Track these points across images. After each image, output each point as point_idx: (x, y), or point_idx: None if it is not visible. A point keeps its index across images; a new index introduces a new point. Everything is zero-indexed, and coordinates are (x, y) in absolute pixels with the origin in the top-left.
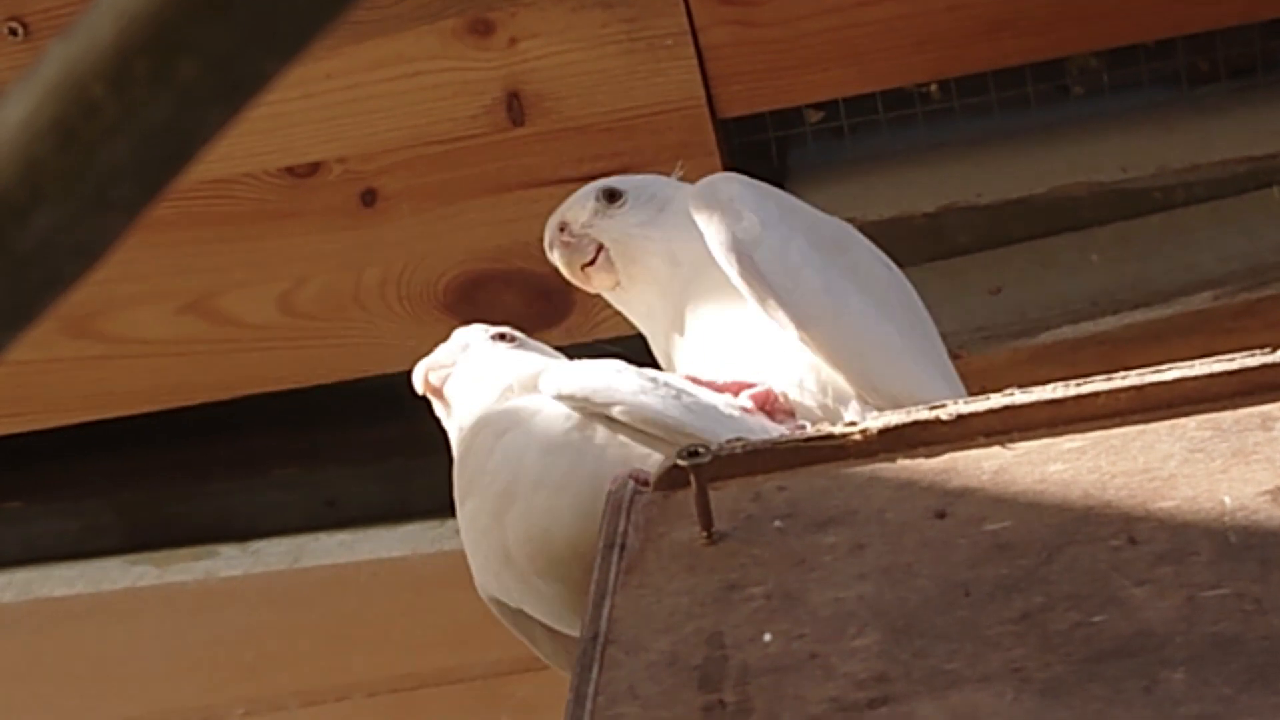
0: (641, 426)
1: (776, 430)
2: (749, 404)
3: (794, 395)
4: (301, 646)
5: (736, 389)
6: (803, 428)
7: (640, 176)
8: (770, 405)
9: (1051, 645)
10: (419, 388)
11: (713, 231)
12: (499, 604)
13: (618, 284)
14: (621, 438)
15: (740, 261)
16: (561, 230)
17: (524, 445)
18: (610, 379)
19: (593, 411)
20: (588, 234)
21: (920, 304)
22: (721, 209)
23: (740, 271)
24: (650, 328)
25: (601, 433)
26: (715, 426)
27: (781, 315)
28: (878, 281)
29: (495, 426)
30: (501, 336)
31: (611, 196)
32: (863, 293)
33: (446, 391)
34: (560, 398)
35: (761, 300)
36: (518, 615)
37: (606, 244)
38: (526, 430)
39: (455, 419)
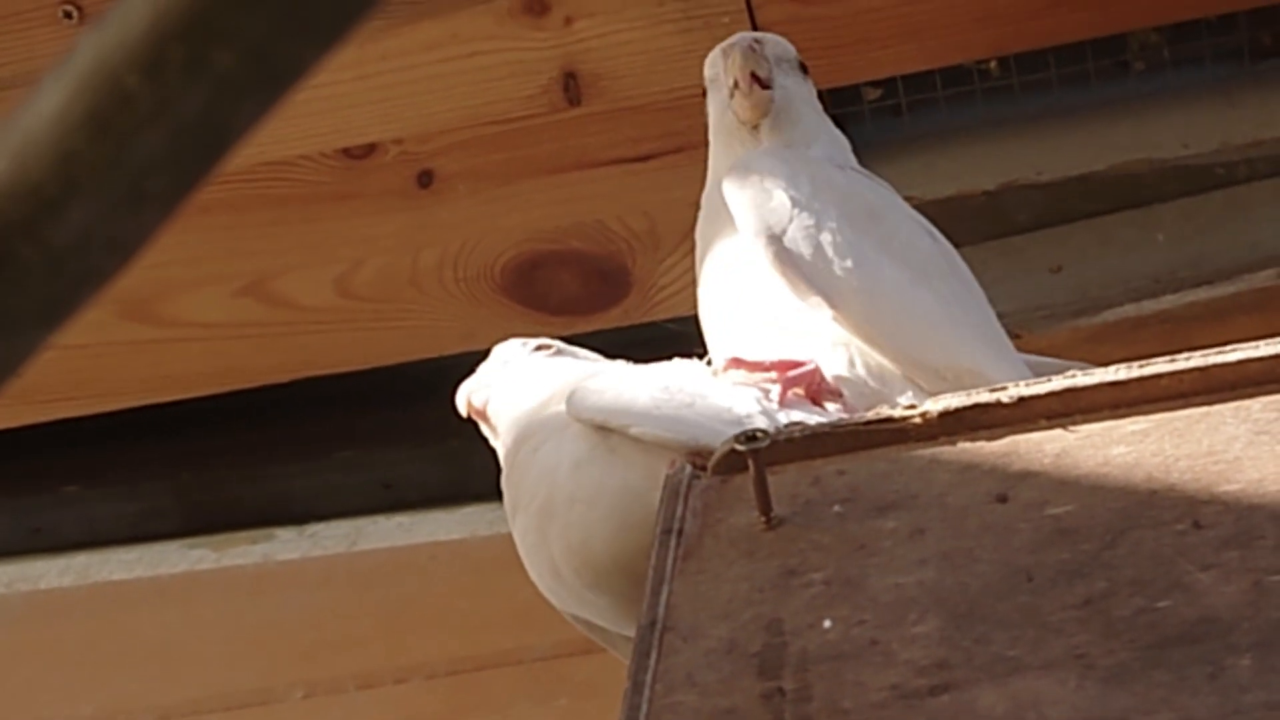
0: (657, 444)
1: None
2: (781, 392)
3: (844, 377)
4: (360, 629)
5: (783, 368)
6: (846, 409)
7: None
8: (816, 387)
9: (1115, 631)
10: (462, 410)
11: (742, 215)
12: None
13: (763, 117)
14: (646, 447)
15: (770, 245)
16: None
17: (556, 461)
18: (624, 397)
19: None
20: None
21: (968, 273)
22: (752, 190)
23: (771, 256)
24: (704, 306)
25: (627, 445)
26: (729, 433)
27: (813, 298)
28: (916, 251)
29: (532, 441)
30: (540, 348)
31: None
32: (898, 264)
33: (489, 411)
34: (580, 420)
35: (793, 285)
36: (588, 622)
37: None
38: (558, 445)
39: (501, 437)
